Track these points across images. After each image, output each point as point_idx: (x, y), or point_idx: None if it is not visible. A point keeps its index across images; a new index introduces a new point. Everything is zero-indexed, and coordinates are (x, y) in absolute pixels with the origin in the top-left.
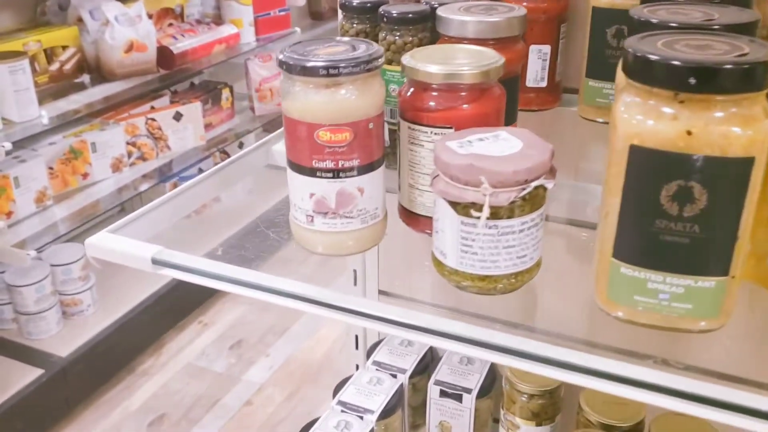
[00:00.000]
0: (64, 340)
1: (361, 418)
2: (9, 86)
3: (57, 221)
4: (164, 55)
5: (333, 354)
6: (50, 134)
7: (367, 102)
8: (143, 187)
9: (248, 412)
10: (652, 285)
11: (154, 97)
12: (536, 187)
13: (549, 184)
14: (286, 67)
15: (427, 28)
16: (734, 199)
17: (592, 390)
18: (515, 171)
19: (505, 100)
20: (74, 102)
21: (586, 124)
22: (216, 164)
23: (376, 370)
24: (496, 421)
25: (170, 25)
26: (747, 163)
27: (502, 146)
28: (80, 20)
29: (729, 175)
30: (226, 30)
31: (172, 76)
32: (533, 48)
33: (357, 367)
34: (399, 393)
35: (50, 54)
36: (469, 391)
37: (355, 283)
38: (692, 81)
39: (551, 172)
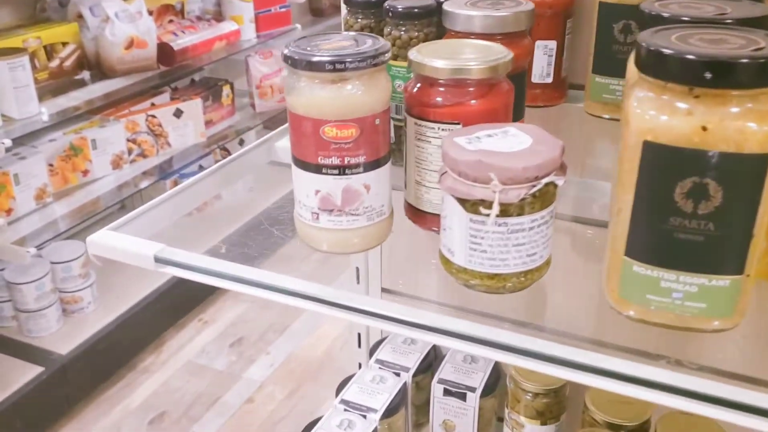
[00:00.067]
0: (64, 338)
1: (365, 417)
2: (9, 83)
3: (57, 218)
4: (165, 51)
5: (334, 352)
6: (50, 131)
7: (373, 97)
8: (143, 184)
9: (249, 410)
10: (665, 284)
11: (154, 93)
12: (547, 184)
13: (560, 181)
14: (292, 62)
15: (432, 23)
16: (750, 197)
17: (598, 389)
18: (525, 167)
19: (514, 95)
20: (74, 99)
21: (593, 121)
22: (216, 161)
23: (379, 368)
24: (501, 419)
25: (171, 21)
26: (763, 160)
27: (511, 142)
28: (80, 16)
29: (745, 172)
30: (227, 26)
31: (173, 73)
32: (539, 43)
33: (359, 366)
34: (402, 392)
35: (50, 50)
36: (473, 389)
37: (358, 281)
38: (708, 76)
39: (562, 169)
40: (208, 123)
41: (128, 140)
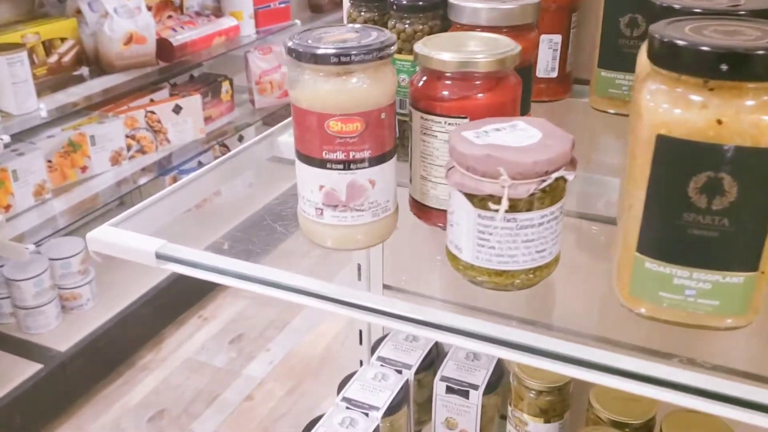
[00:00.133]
0: (63, 335)
1: (367, 414)
2: (7, 78)
3: (56, 215)
4: (164, 47)
5: (334, 348)
6: (49, 127)
7: (379, 91)
8: (142, 180)
9: (249, 407)
10: (678, 281)
11: (153, 89)
12: (556, 179)
13: (570, 176)
14: (296, 55)
15: (437, 15)
16: (766, 192)
17: (603, 386)
18: (535, 162)
19: (521, 89)
20: (73, 94)
21: (598, 115)
22: (216, 157)
23: (381, 365)
24: (504, 417)
25: (170, 17)
26: None
27: (520, 136)
28: (79, 12)
29: (761, 167)
30: (226, 22)
31: (172, 69)
32: (544, 38)
33: (360, 363)
34: (404, 389)
35: (49, 46)
36: (475, 387)
37: (360, 278)
38: (723, 67)
39: (572, 163)
40: (208, 119)
41: (127, 136)
